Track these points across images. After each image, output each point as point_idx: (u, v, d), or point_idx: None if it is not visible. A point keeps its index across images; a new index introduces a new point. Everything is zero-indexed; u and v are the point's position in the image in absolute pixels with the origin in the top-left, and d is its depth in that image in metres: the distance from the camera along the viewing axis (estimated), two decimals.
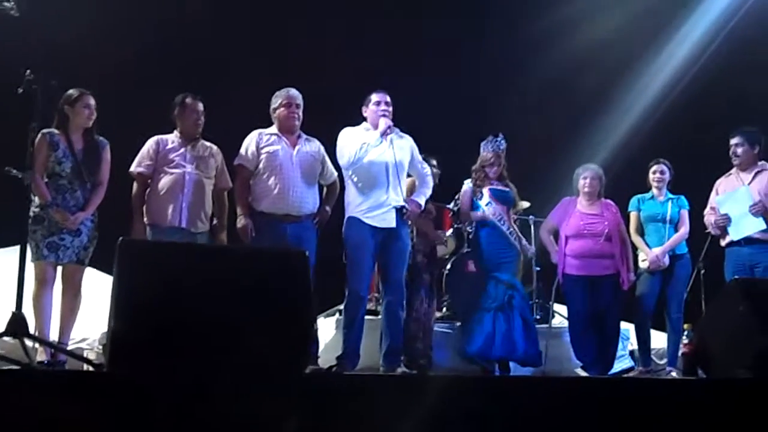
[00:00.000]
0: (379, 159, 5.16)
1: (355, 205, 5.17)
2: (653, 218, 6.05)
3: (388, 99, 5.29)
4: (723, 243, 5.80)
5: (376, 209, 5.13)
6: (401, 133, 5.36)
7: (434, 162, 5.98)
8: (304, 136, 5.35)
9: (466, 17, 8.42)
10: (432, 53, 8.28)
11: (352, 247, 5.14)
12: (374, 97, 5.29)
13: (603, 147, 7.11)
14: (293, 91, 5.29)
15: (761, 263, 5.51)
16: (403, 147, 5.31)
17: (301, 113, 5.28)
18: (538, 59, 8.09)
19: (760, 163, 5.78)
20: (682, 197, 6.14)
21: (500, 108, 7.89)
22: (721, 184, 5.94)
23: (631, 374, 5.88)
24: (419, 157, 5.48)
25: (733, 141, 5.81)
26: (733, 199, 5.72)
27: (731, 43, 7.69)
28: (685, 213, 6.09)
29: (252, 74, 7.56)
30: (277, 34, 8.04)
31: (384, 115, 5.20)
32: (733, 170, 5.88)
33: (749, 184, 5.71)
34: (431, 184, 5.53)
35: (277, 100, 5.29)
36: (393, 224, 5.14)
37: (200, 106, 5.28)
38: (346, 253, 5.17)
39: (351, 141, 5.18)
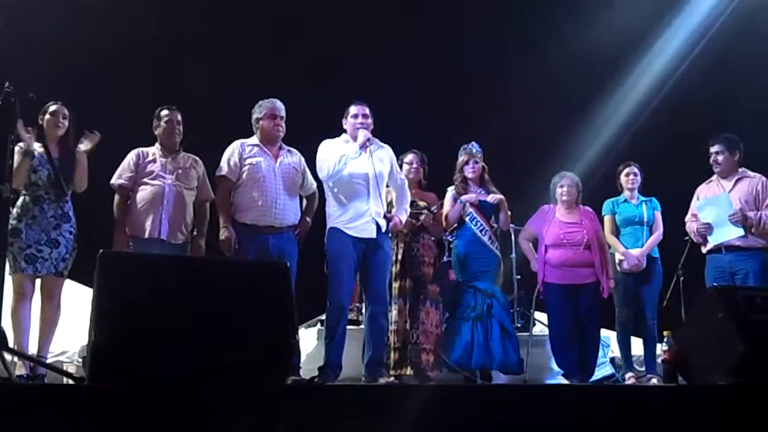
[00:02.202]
0: (359, 170, 5.17)
1: (335, 216, 5.18)
2: (630, 221, 6.08)
3: (367, 111, 5.31)
4: (704, 250, 5.84)
5: (356, 220, 5.13)
6: (381, 144, 5.38)
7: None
8: (286, 147, 5.35)
9: (446, 26, 8.46)
10: (410, 61, 8.30)
11: (334, 257, 5.13)
12: (352, 110, 5.31)
13: (582, 155, 7.14)
14: (278, 103, 5.27)
15: (741, 270, 5.56)
16: (383, 158, 5.33)
17: (284, 125, 5.27)
18: (519, 67, 8.16)
19: (740, 170, 5.81)
20: (654, 199, 6.19)
21: (480, 117, 7.92)
22: (702, 191, 5.97)
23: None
24: (397, 168, 5.52)
25: (714, 149, 5.83)
26: (712, 204, 5.76)
27: (711, 52, 7.77)
28: (658, 215, 6.14)
29: (229, 84, 7.56)
30: (258, 44, 8.04)
31: (362, 128, 5.22)
32: (714, 177, 5.91)
33: (730, 191, 5.75)
34: (408, 194, 5.55)
35: (261, 110, 5.27)
36: (374, 234, 5.14)
37: (177, 117, 5.27)
38: (328, 263, 5.17)
39: (330, 153, 5.19)
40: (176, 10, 7.53)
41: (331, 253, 5.15)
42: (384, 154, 5.36)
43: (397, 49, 8.19)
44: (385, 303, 5.28)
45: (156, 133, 5.28)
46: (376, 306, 5.19)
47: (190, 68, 7.58)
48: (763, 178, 5.72)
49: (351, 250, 5.10)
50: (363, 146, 5.15)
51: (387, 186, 5.43)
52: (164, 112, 5.27)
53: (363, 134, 5.16)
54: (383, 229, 5.21)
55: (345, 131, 5.35)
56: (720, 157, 5.79)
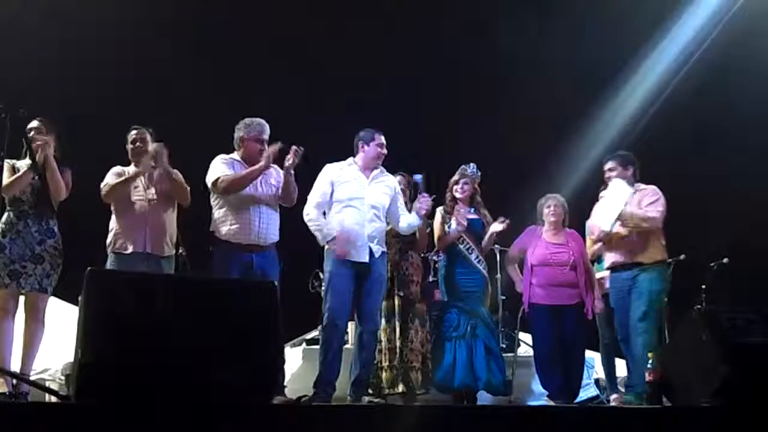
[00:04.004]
0: (358, 195, 5.23)
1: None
2: None
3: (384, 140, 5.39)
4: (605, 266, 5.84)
5: (354, 243, 5.13)
6: (386, 172, 5.44)
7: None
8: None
9: (432, 48, 8.53)
10: (399, 82, 8.35)
11: (331, 278, 5.14)
12: (378, 138, 5.36)
13: (570, 176, 7.20)
14: (267, 126, 5.24)
15: (635, 286, 5.49)
16: (387, 185, 5.39)
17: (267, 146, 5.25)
18: (508, 89, 8.23)
19: (636, 184, 5.72)
20: None
21: (470, 138, 7.98)
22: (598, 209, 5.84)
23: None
24: (401, 200, 5.52)
25: (607, 166, 5.80)
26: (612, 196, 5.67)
27: (696, 76, 7.88)
28: None
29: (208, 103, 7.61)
30: (248, 54, 8.10)
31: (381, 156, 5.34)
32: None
33: (625, 206, 5.58)
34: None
35: (248, 131, 5.22)
36: (366, 259, 5.16)
37: (146, 136, 5.24)
38: (325, 284, 5.18)
39: (329, 177, 5.28)
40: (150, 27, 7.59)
41: (327, 275, 5.17)
42: (388, 182, 5.42)
43: (389, 68, 8.25)
44: (377, 324, 5.30)
45: (129, 154, 5.27)
46: (367, 326, 5.19)
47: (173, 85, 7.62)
48: (656, 190, 5.67)
49: (348, 271, 5.12)
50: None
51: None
52: (132, 133, 5.27)
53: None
54: (376, 255, 5.21)
55: (354, 154, 5.41)
56: (613, 173, 5.73)
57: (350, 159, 5.40)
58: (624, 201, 5.52)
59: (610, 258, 5.72)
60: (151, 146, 5.15)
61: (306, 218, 5.20)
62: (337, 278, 5.10)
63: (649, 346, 5.22)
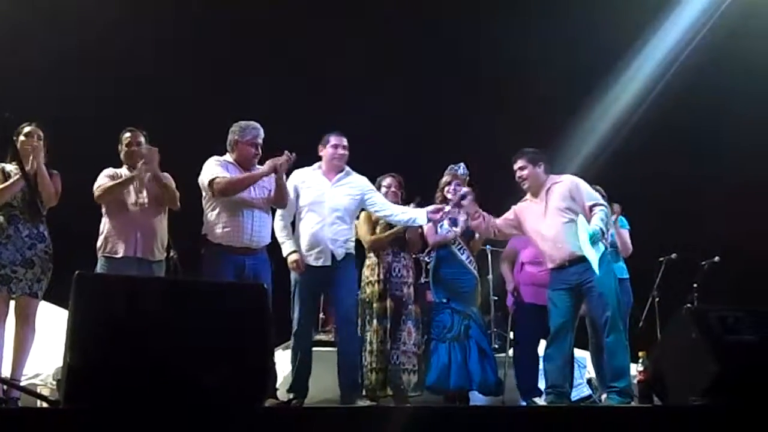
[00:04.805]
0: (319, 199, 5.32)
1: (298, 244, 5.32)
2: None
3: (345, 142, 5.45)
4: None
5: (315, 248, 5.25)
6: (352, 174, 5.50)
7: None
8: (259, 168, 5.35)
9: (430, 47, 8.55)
10: (391, 86, 8.36)
11: (296, 286, 5.28)
12: (333, 140, 5.43)
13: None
14: (261, 131, 5.25)
15: (588, 281, 5.15)
16: (352, 186, 5.44)
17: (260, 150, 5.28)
18: (500, 91, 8.25)
19: (549, 179, 5.44)
20: (622, 218, 6.21)
21: (462, 140, 7.99)
22: (522, 211, 5.53)
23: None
24: (375, 196, 5.52)
25: (516, 165, 5.50)
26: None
27: (681, 82, 7.92)
28: (625, 233, 6.17)
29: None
30: (236, 60, 8.09)
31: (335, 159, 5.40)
32: (528, 196, 5.52)
33: (546, 206, 5.33)
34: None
35: (243, 134, 5.22)
36: (329, 262, 5.25)
37: (139, 138, 5.24)
38: (292, 292, 5.29)
39: (295, 182, 5.39)
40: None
41: (293, 280, 5.29)
42: (354, 183, 5.46)
43: (378, 73, 8.26)
44: (354, 325, 5.39)
45: (121, 156, 5.26)
46: (344, 329, 5.31)
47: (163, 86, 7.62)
48: (573, 178, 5.41)
49: (312, 277, 5.23)
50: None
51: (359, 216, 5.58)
52: (126, 135, 5.26)
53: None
54: (338, 258, 5.28)
55: (320, 158, 5.48)
56: (524, 172, 5.44)
57: (316, 164, 5.48)
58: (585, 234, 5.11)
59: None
60: (144, 148, 5.14)
61: (274, 227, 5.31)
62: (302, 285, 5.24)
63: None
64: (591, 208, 5.20)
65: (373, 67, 8.23)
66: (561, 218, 5.25)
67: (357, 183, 5.48)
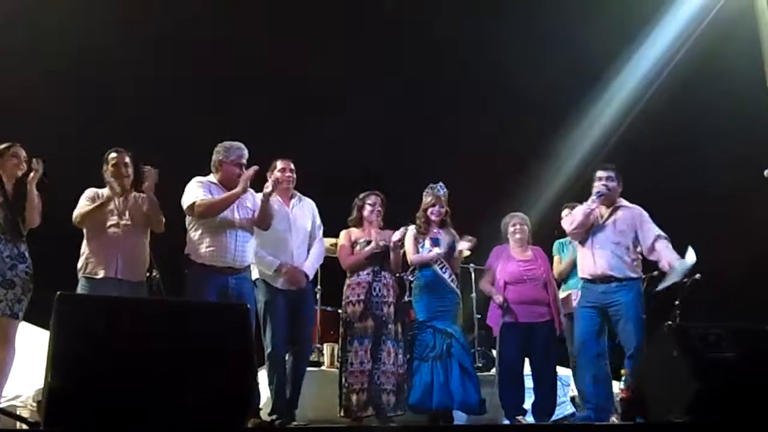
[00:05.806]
0: (282, 224, 5.38)
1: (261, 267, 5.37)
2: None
3: (292, 166, 5.55)
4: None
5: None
6: (303, 198, 5.60)
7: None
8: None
9: (407, 65, 8.60)
10: (370, 100, 8.39)
11: (266, 308, 5.30)
12: (279, 164, 5.52)
13: (541, 195, 7.26)
14: (246, 151, 5.28)
15: (617, 302, 5.41)
16: (305, 211, 5.56)
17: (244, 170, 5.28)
18: (477, 108, 8.29)
19: (619, 199, 5.65)
20: None
21: (441, 157, 8.02)
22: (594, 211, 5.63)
23: None
24: (318, 222, 5.68)
25: (606, 174, 5.60)
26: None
27: (665, 95, 8.00)
28: None
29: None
30: (219, 82, 8.11)
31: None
32: (593, 203, 5.58)
33: (608, 221, 5.56)
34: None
35: (227, 154, 5.25)
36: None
37: (125, 159, 5.24)
38: (261, 314, 5.31)
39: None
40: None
41: (260, 304, 5.31)
42: (307, 207, 5.59)
43: (359, 88, 8.29)
44: (308, 350, 5.67)
45: (105, 176, 5.25)
46: (304, 353, 5.46)
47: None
48: (641, 210, 5.60)
49: (280, 299, 5.29)
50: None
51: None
52: (112, 155, 5.25)
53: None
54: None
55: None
56: (612, 184, 5.58)
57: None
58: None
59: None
60: (147, 170, 5.14)
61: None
62: (272, 306, 5.28)
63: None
64: (656, 238, 5.43)
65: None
66: (614, 236, 5.48)
67: (307, 207, 5.62)
